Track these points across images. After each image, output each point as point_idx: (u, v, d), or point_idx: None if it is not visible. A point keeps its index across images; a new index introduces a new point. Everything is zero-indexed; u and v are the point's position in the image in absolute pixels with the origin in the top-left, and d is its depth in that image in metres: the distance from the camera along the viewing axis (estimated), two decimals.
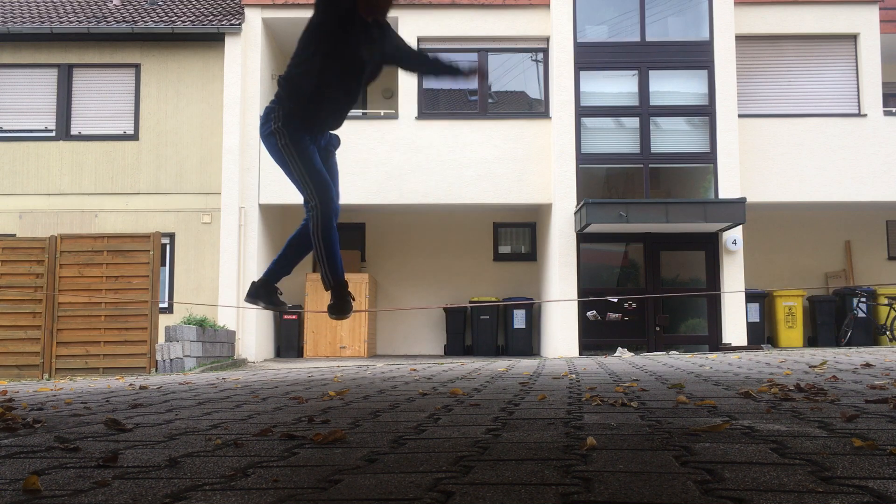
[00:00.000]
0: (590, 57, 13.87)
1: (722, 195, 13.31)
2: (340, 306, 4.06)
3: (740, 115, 13.69)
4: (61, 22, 14.21)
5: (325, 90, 3.85)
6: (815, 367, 5.39)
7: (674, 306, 13.92)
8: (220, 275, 13.52)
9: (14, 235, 13.37)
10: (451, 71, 4.30)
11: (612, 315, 13.60)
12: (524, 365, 7.55)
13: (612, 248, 14.31)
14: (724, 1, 13.72)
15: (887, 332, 13.72)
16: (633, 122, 13.89)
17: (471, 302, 14.48)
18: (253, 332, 13.42)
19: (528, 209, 15.10)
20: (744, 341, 13.11)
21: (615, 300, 13.03)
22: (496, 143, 13.85)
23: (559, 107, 13.58)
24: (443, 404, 3.27)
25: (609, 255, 14.39)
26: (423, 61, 4.38)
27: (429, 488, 1.55)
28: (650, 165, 13.79)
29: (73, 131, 14.28)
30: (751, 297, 13.70)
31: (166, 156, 14.05)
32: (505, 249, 15.82)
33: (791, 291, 14.25)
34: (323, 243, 3.93)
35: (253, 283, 4.36)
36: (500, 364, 8.00)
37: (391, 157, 13.80)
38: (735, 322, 13.24)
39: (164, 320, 11.85)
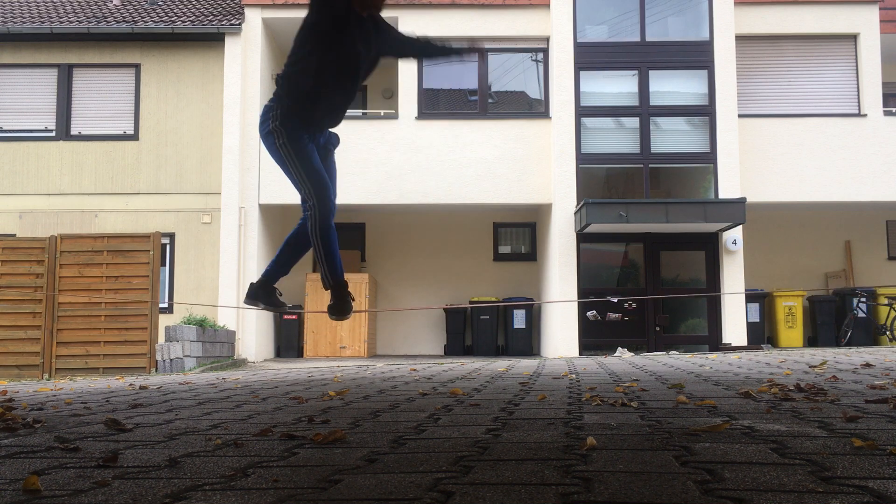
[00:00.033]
0: (590, 57, 13.87)
1: (722, 195, 13.31)
2: (340, 307, 4.06)
3: (740, 115, 13.69)
4: (61, 22, 14.21)
5: (322, 88, 3.85)
6: (815, 367, 5.39)
7: (674, 306, 13.92)
8: (220, 275, 13.52)
9: (14, 235, 13.37)
10: (446, 52, 4.22)
11: (612, 315, 13.60)
12: (524, 365, 7.55)
13: (612, 248, 14.31)
14: (724, 1, 13.72)
15: (887, 332, 13.72)
16: (633, 122, 13.89)
17: (471, 302, 14.49)
18: (253, 332, 13.42)
19: (528, 209, 15.10)
20: (744, 341, 13.11)
21: (615, 300, 13.02)
22: (496, 142, 13.85)
23: (559, 107, 13.58)
24: (443, 404, 3.27)
25: (609, 255, 14.39)
26: (418, 49, 4.27)
27: (429, 488, 1.55)
28: (650, 165, 13.79)
29: (73, 131, 14.28)
30: (751, 297, 13.70)
31: (166, 156, 14.05)
32: (505, 249, 15.82)
33: (791, 291, 14.26)
34: (321, 242, 3.93)
35: (251, 284, 4.35)
36: (500, 364, 8.00)
37: (391, 157, 13.80)
38: (735, 322, 13.24)
39: (164, 320, 11.85)
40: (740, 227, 13.29)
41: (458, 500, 1.45)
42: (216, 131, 13.96)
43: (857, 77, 14.10)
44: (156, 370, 10.59)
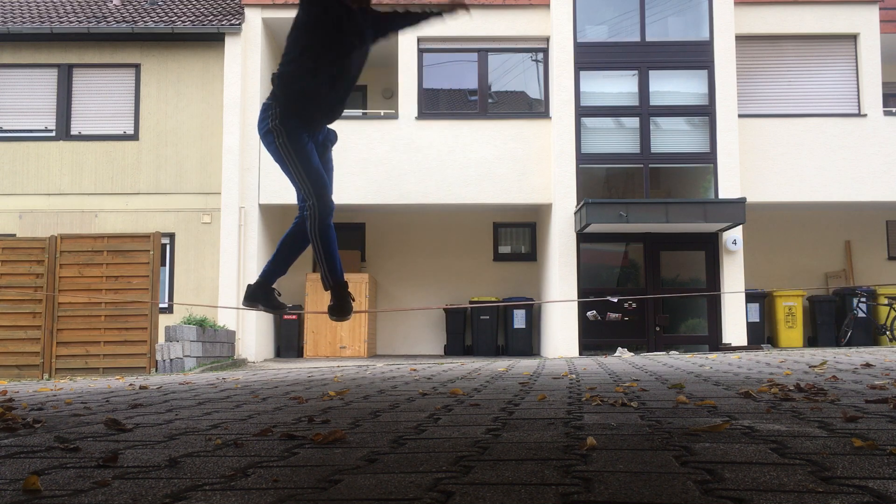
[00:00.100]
0: (590, 57, 13.87)
1: (722, 195, 13.31)
2: (341, 307, 4.05)
3: (740, 115, 13.69)
4: (61, 22, 14.21)
5: (318, 85, 3.84)
6: (815, 367, 5.39)
7: (674, 306, 13.92)
8: (220, 275, 13.52)
9: (14, 235, 13.37)
10: (426, 17, 4.12)
11: (612, 315, 13.60)
12: (524, 365, 7.55)
13: (612, 248, 14.31)
14: (724, 1, 13.72)
15: (887, 332, 13.72)
16: (633, 122, 13.89)
17: (471, 302, 14.48)
18: (253, 332, 13.42)
19: (528, 209, 15.10)
20: (744, 341, 13.11)
21: (615, 300, 13.01)
22: (496, 143, 13.85)
23: (559, 107, 13.58)
24: (443, 404, 3.27)
25: (609, 255, 14.39)
26: (401, 19, 4.19)
27: (429, 488, 1.55)
28: (650, 165, 13.79)
29: (73, 131, 14.28)
30: (751, 297, 13.70)
31: (166, 156, 14.05)
32: (505, 249, 15.82)
33: (791, 291, 14.26)
34: (321, 242, 3.92)
35: (249, 285, 4.32)
36: (500, 364, 8.00)
37: (391, 157, 13.80)
38: (735, 322, 13.24)
39: (164, 320, 11.85)
40: (740, 227, 13.29)
41: (458, 500, 1.45)
42: (216, 131, 13.96)
43: (857, 77, 14.10)
44: (156, 370, 10.59)
